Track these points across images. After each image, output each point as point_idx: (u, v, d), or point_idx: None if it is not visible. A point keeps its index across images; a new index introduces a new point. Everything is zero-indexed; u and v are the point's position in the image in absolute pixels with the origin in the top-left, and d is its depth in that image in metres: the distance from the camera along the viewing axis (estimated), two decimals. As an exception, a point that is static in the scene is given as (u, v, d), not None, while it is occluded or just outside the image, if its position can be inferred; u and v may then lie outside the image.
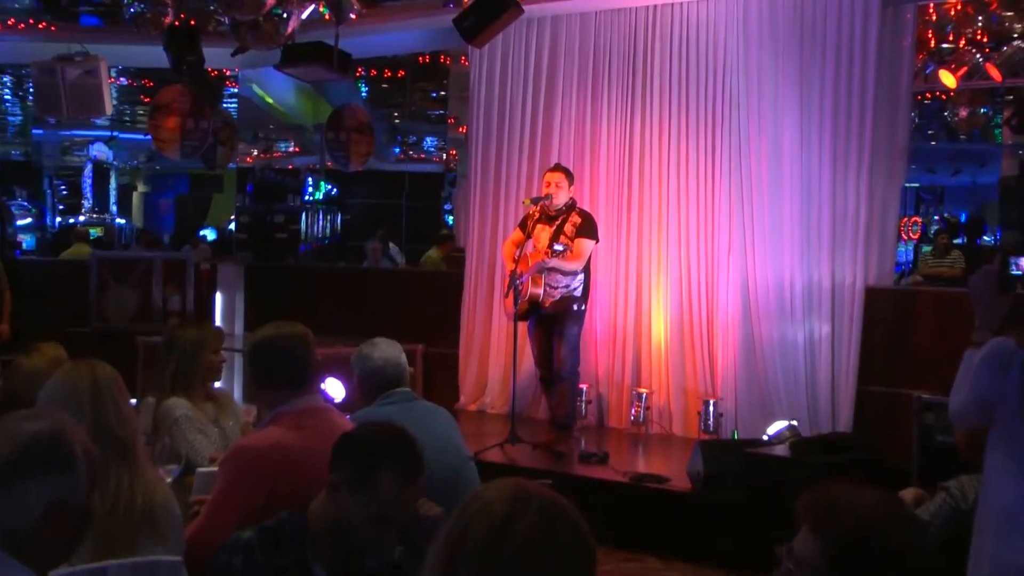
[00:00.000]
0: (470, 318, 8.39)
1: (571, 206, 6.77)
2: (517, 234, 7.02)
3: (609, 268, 7.78)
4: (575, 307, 6.70)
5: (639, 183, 7.73)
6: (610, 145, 7.86)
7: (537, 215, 6.80)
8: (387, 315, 8.65)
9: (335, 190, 15.90)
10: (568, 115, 8.03)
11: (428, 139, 16.91)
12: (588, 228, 6.73)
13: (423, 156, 17.37)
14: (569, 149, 7.99)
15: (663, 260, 7.60)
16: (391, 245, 12.90)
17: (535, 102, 8.16)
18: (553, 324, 6.72)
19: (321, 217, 15.03)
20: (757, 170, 7.25)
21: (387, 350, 3.80)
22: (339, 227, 15.97)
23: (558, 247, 6.48)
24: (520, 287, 6.49)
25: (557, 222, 6.75)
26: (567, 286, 6.68)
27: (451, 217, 15.27)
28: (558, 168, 6.94)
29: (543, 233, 6.77)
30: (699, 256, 7.46)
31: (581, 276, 6.74)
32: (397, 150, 17.14)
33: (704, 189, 7.46)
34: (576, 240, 6.64)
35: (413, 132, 16.65)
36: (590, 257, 6.83)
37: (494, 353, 8.24)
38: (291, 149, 15.05)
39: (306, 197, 14.37)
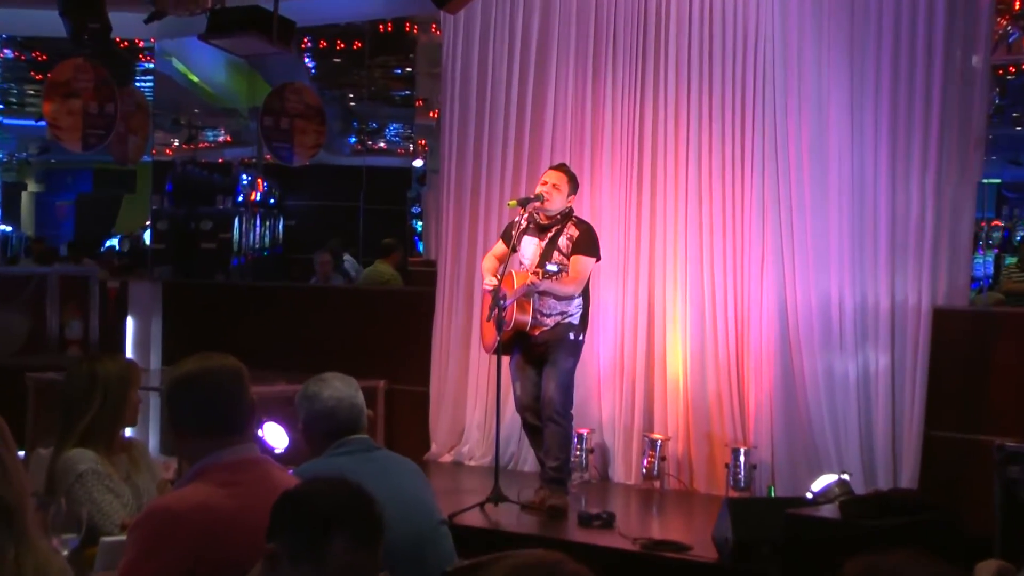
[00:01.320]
0: (443, 348, 8.39)
1: (567, 215, 6.78)
2: (500, 247, 7.01)
3: (615, 287, 7.80)
4: (571, 336, 6.70)
5: (651, 183, 7.75)
6: (615, 135, 7.89)
7: (524, 223, 6.79)
8: (340, 344, 8.66)
9: (276, 190, 15.87)
10: (563, 98, 8.06)
11: (391, 126, 16.91)
12: (588, 243, 6.73)
13: (385, 147, 17.37)
14: (564, 140, 8.02)
15: (681, 277, 7.62)
16: (345, 258, 12.89)
17: (523, 81, 8.19)
18: (543, 356, 6.71)
19: (259, 223, 14.98)
20: (797, 165, 7.29)
21: (340, 388, 3.79)
22: (281, 235, 15.91)
23: (551, 267, 6.42)
24: (503, 312, 6.48)
25: (549, 234, 6.75)
26: (562, 312, 6.68)
27: (419, 222, 15.25)
28: (561, 168, 6.93)
29: (531, 246, 6.77)
30: (725, 272, 7.48)
31: (579, 301, 6.74)
32: (353, 140, 17.13)
33: (731, 190, 7.49)
34: (573, 258, 6.64)
35: (373, 117, 16.65)
36: (590, 277, 6.84)
37: (473, 391, 8.24)
38: (221, 139, 15.03)
39: (240, 198, 14.34)
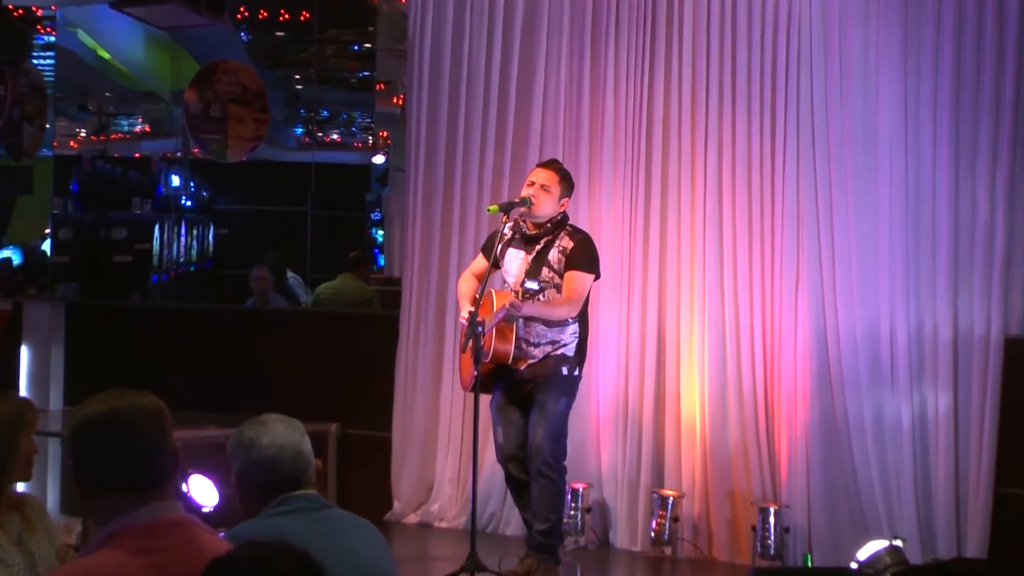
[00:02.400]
0: (408, 384, 8.38)
1: (560, 223, 6.75)
2: (479, 262, 7.00)
3: (617, 313, 7.82)
4: (563, 371, 6.66)
5: (661, 186, 7.78)
6: (618, 128, 7.91)
7: (509, 233, 6.78)
8: (283, 380, 8.67)
9: (206, 191, 15.84)
10: (555, 81, 8.08)
11: (346, 115, 16.88)
12: (585, 257, 6.68)
13: (339, 140, 17.33)
14: (556, 133, 8.05)
15: (697, 300, 7.64)
16: (289, 274, 12.85)
17: (506, 62, 8.21)
18: (530, 395, 6.69)
19: (184, 232, 14.96)
20: (839, 165, 7.33)
21: (282, 433, 3.77)
22: (211, 247, 15.87)
23: (530, 285, 6.18)
24: (481, 341, 6.46)
25: (538, 246, 6.72)
26: (553, 342, 6.65)
27: (380, 232, 15.21)
28: (551, 165, 6.87)
29: (516, 261, 6.75)
30: (752, 294, 7.51)
31: (574, 327, 6.70)
32: (299, 131, 17.10)
33: (759, 194, 7.53)
34: (568, 274, 6.60)
35: (324, 104, 16.61)
36: (588, 299, 6.84)
37: (445, 437, 8.24)
38: (138, 129, 14.99)
39: (161, 202, 14.30)
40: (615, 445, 7.82)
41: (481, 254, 7.05)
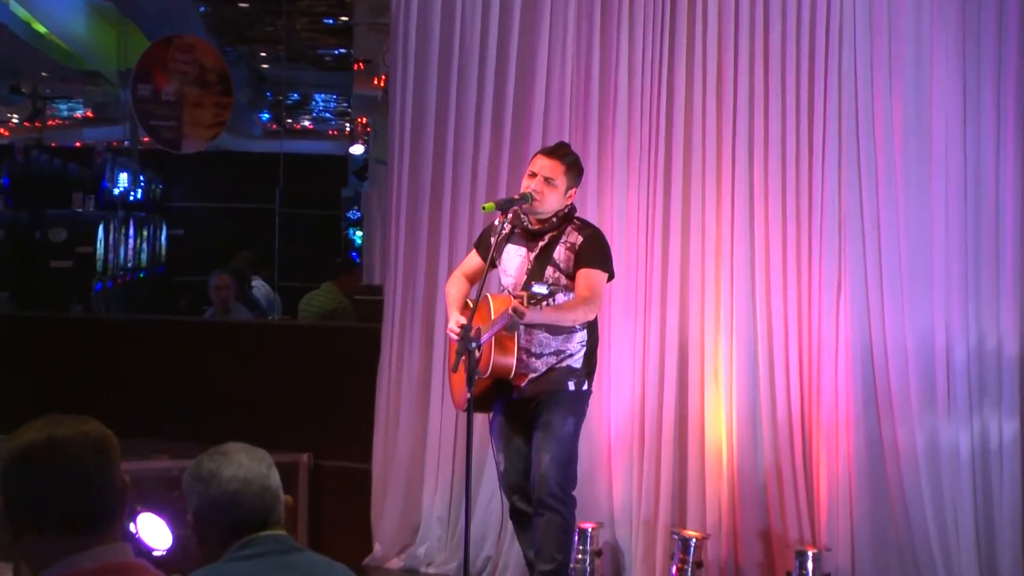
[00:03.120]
0: (391, 408, 8.35)
1: (566, 216, 6.71)
2: (472, 261, 6.96)
3: (631, 325, 7.81)
4: (570, 385, 6.62)
5: (683, 181, 7.79)
6: (633, 115, 7.90)
7: (508, 228, 6.74)
8: (247, 403, 8.63)
9: (158, 186, 15.86)
10: (559, 61, 8.07)
11: (319, 98, 16.93)
12: (597, 252, 6.63)
13: (311, 128, 17.39)
14: (562, 121, 8.04)
15: (725, 312, 7.64)
16: (254, 281, 12.85)
17: (504, 37, 8.20)
18: (534, 415, 6.66)
19: (132, 233, 14.98)
20: (887, 159, 7.34)
21: (246, 465, 3.75)
22: (164, 250, 15.90)
23: (538, 288, 6.02)
24: (477, 354, 6.42)
25: (542, 242, 6.69)
26: (558, 352, 6.59)
27: (359, 233, 15.23)
28: (555, 152, 6.73)
29: (516, 259, 6.70)
30: (787, 304, 7.52)
31: (582, 334, 6.66)
32: (266, 117, 17.13)
33: (795, 192, 7.54)
34: (582, 273, 6.51)
35: (294, 86, 16.67)
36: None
37: (433, 468, 8.22)
38: (80, 114, 15.02)
39: (105, 198, 14.31)
40: (629, 477, 7.80)
41: (474, 251, 7.01)
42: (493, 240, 6.67)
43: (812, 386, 7.45)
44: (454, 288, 6.88)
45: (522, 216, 6.70)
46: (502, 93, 8.19)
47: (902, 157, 7.29)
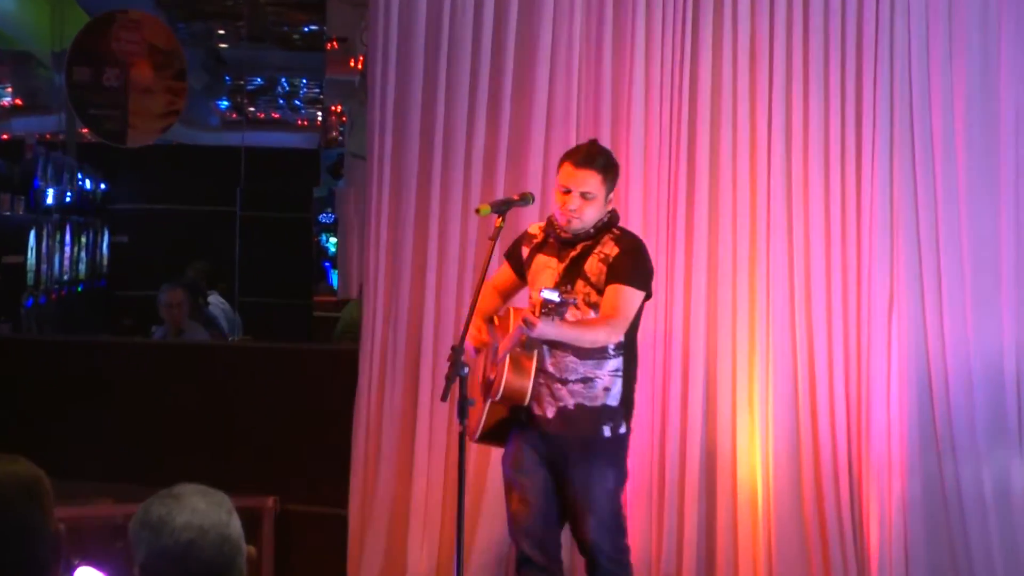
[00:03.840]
0: (370, 444, 8.33)
1: (606, 225, 6.67)
2: (504, 275, 6.99)
3: (651, 345, 7.79)
4: (606, 431, 6.60)
5: (709, 180, 7.81)
6: (652, 103, 7.92)
7: (541, 235, 6.74)
8: (203, 439, 8.64)
9: (99, 185, 15.84)
10: (566, 40, 8.06)
11: (287, 83, 16.94)
12: (632, 267, 6.60)
13: (277, 118, 17.40)
14: (568, 109, 8.04)
15: (760, 330, 7.67)
16: (211, 297, 12.84)
17: (502, 13, 8.20)
18: (563, 461, 6.64)
19: (69, 240, 14.97)
20: (947, 156, 7.37)
21: (203, 511, 3.73)
22: (106, 260, 15.88)
23: (548, 295, 6.06)
24: (492, 372, 6.45)
25: (573, 251, 6.66)
26: (587, 380, 6.55)
27: (333, 239, 15.21)
28: (588, 161, 6.60)
29: (545, 271, 6.68)
30: (831, 322, 7.53)
31: (617, 362, 6.64)
32: (224, 104, 17.14)
33: (842, 193, 7.56)
34: (609, 289, 6.49)
35: (257, 70, 16.69)
36: (637, 324, 6.72)
37: (420, 514, 8.20)
38: (7, 102, 15.02)
39: (37, 200, 14.29)
40: (648, 526, 7.81)
41: (505, 263, 7.03)
42: (524, 251, 6.68)
43: (861, 419, 7.46)
44: (484, 301, 6.82)
45: (556, 224, 6.68)
46: (499, 77, 8.18)
47: (965, 154, 7.31)
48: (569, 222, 6.53)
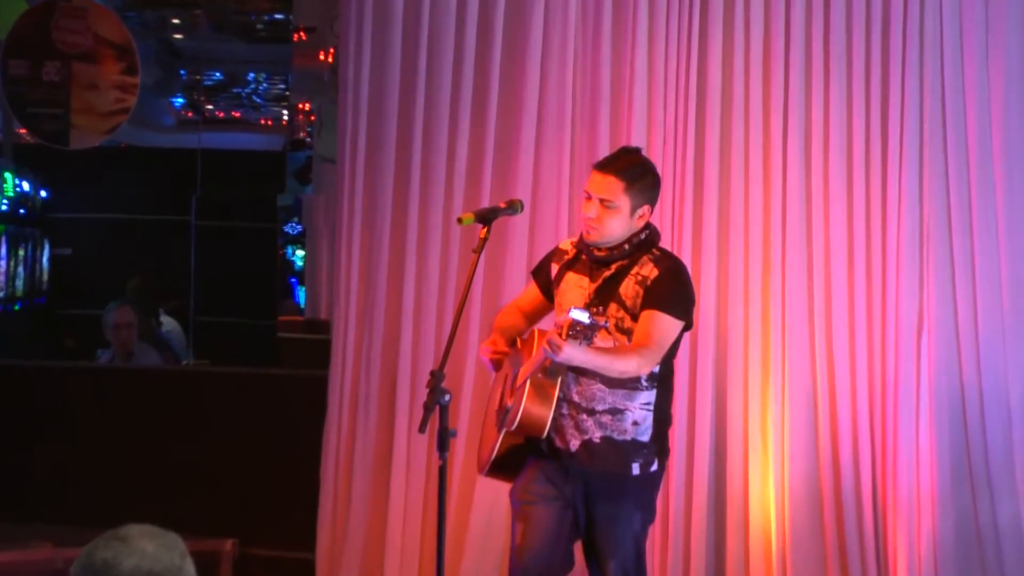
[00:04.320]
0: (341, 479, 8.34)
1: (644, 243, 6.59)
2: (529, 294, 6.95)
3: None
4: (634, 468, 6.52)
5: (718, 187, 7.83)
6: (655, 101, 7.93)
7: (572, 251, 6.69)
8: (154, 474, 8.63)
9: (39, 192, 15.82)
10: (560, 31, 8.06)
11: (249, 78, 16.95)
12: (671, 292, 6.49)
13: (238, 117, 17.40)
14: (562, 106, 8.06)
15: (775, 352, 7.68)
16: (162, 316, 12.81)
17: (487, 3, 8.20)
18: (585, 499, 6.58)
19: (5, 252, 14.95)
20: (983, 160, 7.37)
21: (152, 554, 3.69)
22: (46, 275, 15.86)
23: (578, 315, 5.86)
24: (505, 401, 6.40)
25: (607, 271, 6.60)
26: (615, 411, 6.47)
27: (300, 252, 15.19)
28: (611, 166, 6.54)
29: (575, 290, 6.60)
30: (855, 342, 7.53)
31: (649, 394, 6.55)
32: (179, 102, 17.15)
33: (866, 201, 7.58)
34: (644, 315, 6.40)
35: (216, 63, 16.69)
36: (674, 354, 6.63)
37: (396, 560, 8.18)
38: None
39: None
40: (651, 565, 7.73)
41: (532, 282, 6.97)
42: (554, 268, 6.63)
43: (887, 451, 7.48)
44: (506, 319, 6.86)
45: (586, 242, 6.62)
46: (485, 71, 8.19)
47: (1002, 154, 7.36)
48: (588, 233, 6.46)
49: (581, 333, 5.85)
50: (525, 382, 6.31)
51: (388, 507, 8.17)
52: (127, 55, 9.60)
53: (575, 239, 6.64)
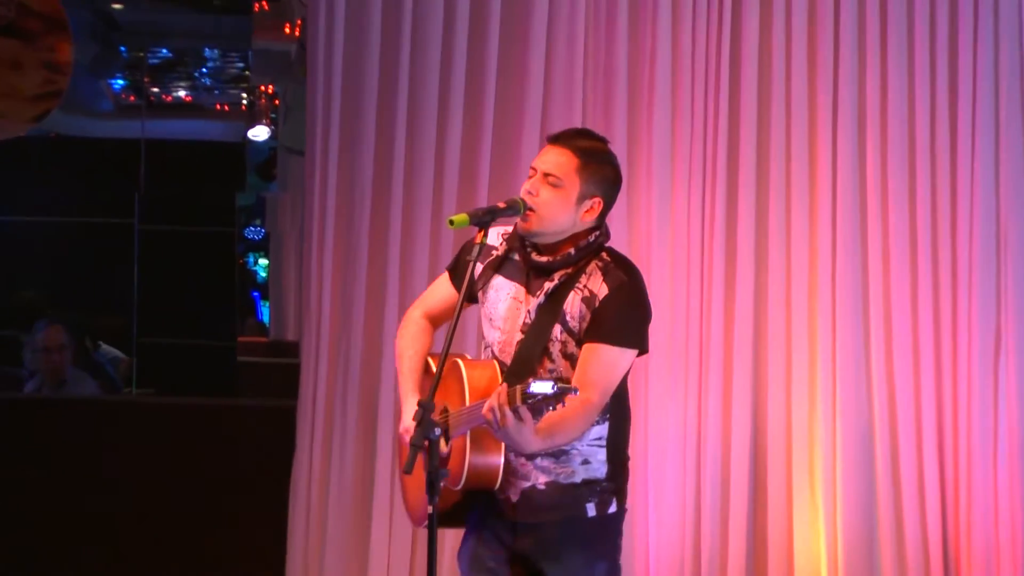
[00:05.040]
0: (313, 521, 8.31)
1: (592, 247, 6.48)
2: (439, 291, 6.74)
3: (680, 404, 7.84)
4: (590, 509, 6.38)
5: (755, 188, 7.83)
6: (680, 86, 7.94)
7: (502, 248, 6.57)
8: (95, 518, 8.58)
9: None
10: (568, 6, 8.05)
11: (204, 57, 16.93)
12: (623, 317, 6.29)
13: (189, 100, 17.40)
14: (570, 92, 8.07)
15: (823, 384, 7.69)
16: (101, 344, 12.76)
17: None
18: (537, 555, 6.41)
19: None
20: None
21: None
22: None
23: (539, 387, 5.67)
24: (445, 449, 6.25)
25: (550, 282, 6.46)
26: (562, 453, 6.37)
27: (263, 260, 15.14)
28: (564, 137, 6.43)
29: (505, 299, 6.45)
30: (919, 374, 7.58)
31: (602, 427, 6.43)
32: (120, 85, 17.13)
33: (931, 203, 7.63)
34: (589, 349, 6.23)
35: (163, 37, 16.68)
36: (626, 380, 6.48)
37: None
38: None
39: None
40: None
41: (446, 276, 6.76)
42: (476, 264, 6.40)
43: (959, 495, 7.49)
44: (409, 345, 6.62)
45: (516, 234, 6.48)
46: (481, 53, 8.19)
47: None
48: (524, 218, 6.24)
49: (534, 407, 5.71)
50: (463, 434, 6.18)
51: (368, 559, 8.20)
52: (57, 28, 9.54)
53: (506, 231, 6.47)
